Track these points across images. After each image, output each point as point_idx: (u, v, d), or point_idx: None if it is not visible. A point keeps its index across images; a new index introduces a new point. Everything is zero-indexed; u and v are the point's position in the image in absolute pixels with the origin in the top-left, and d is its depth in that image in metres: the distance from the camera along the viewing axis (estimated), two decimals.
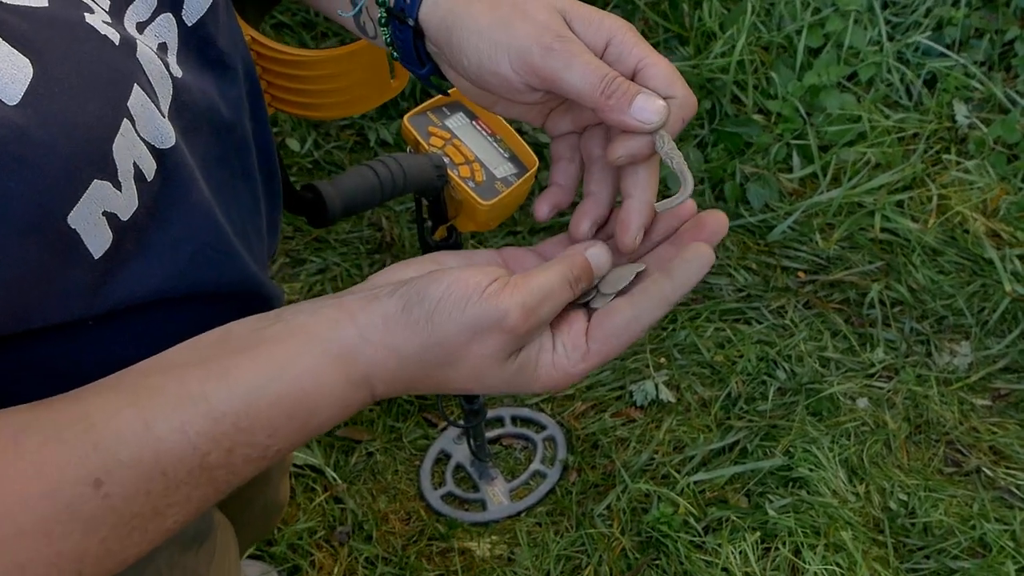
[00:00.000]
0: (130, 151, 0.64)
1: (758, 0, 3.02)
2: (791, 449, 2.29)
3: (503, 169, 1.42)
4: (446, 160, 1.39)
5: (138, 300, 0.70)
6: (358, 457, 2.32)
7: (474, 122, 1.45)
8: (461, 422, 2.13)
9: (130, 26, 0.67)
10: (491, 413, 2.39)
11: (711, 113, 2.95)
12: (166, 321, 0.73)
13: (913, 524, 2.20)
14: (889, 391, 2.46)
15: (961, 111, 2.96)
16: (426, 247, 1.53)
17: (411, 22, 0.76)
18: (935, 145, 2.92)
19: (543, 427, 2.39)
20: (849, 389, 2.44)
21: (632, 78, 0.71)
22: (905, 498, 2.25)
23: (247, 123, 0.82)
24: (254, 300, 0.82)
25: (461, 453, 2.32)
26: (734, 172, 2.85)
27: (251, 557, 2.12)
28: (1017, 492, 2.29)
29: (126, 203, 0.65)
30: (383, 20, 0.79)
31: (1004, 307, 2.61)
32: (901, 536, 2.18)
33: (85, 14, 0.62)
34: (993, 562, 2.13)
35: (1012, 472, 2.33)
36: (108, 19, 0.64)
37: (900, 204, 2.80)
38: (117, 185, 0.64)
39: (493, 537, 2.19)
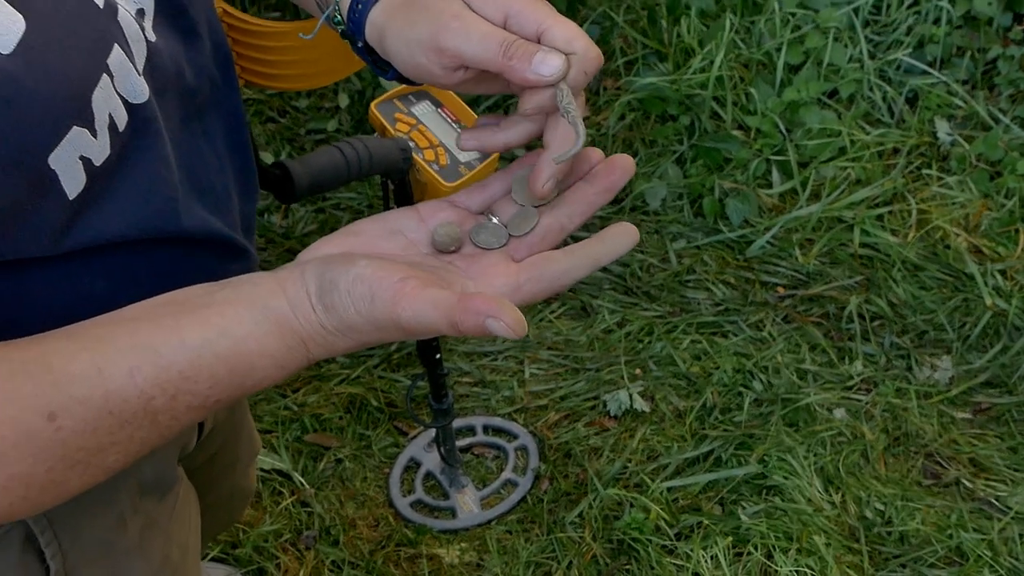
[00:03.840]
0: (107, 103, 0.74)
1: (737, 17, 3.14)
2: (766, 458, 2.36)
3: (467, 154, 1.51)
4: (411, 144, 1.49)
5: (104, 240, 0.80)
6: (326, 463, 2.39)
7: (439, 109, 1.55)
8: (431, 423, 2.20)
9: None
10: (463, 422, 2.46)
11: (690, 129, 3.06)
12: (131, 262, 0.83)
13: (889, 533, 2.28)
14: (867, 403, 2.55)
15: (943, 128, 3.08)
16: None
17: (360, 44, 0.88)
18: (916, 160, 3.03)
19: (515, 436, 2.47)
20: (826, 400, 2.52)
21: (537, 42, 0.80)
22: (882, 507, 2.32)
23: (209, 90, 0.93)
24: (220, 251, 0.93)
25: (431, 461, 2.39)
26: (713, 187, 2.95)
27: (215, 560, 2.19)
28: (996, 503, 2.37)
29: (100, 150, 0.75)
30: (344, 36, 0.90)
31: (985, 321, 2.71)
32: (876, 544, 2.26)
33: None
34: (970, 570, 2.20)
35: (992, 484, 2.41)
36: None
37: (880, 219, 2.90)
38: (93, 133, 0.74)
39: (462, 544, 2.26)
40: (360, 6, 0.85)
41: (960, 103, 3.12)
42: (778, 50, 3.10)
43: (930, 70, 3.15)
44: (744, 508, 2.27)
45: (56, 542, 0.92)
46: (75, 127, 0.71)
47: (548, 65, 0.77)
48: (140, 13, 0.81)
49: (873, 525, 2.28)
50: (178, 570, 1.11)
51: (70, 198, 0.74)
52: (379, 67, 0.89)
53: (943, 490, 2.40)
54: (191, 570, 1.15)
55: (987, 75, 3.20)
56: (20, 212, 0.72)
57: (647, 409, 2.50)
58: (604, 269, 2.84)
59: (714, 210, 2.94)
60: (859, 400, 2.55)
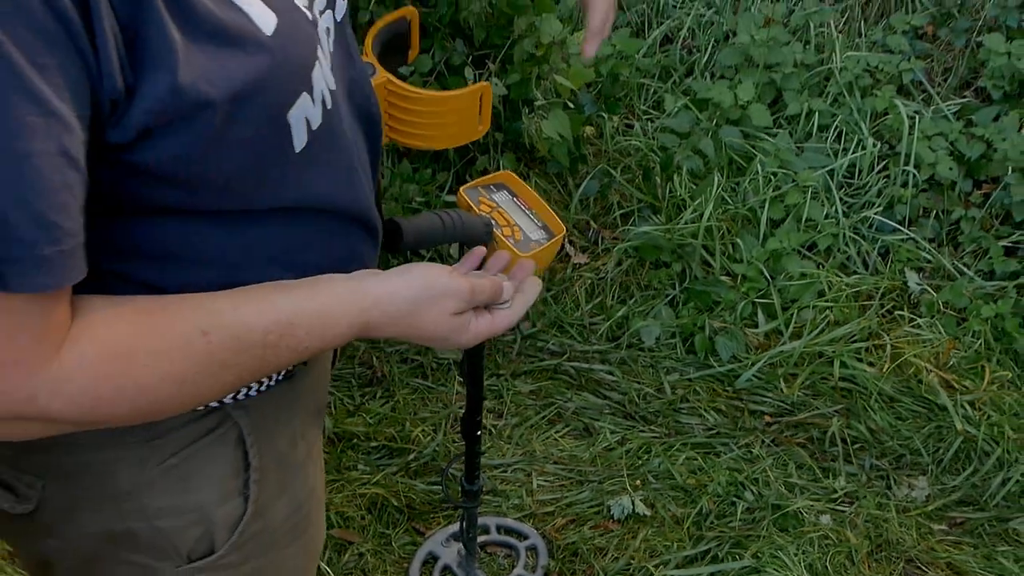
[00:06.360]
0: (319, 81, 1.04)
1: (724, 177, 3.54)
2: (759, 554, 2.62)
3: (537, 234, 1.84)
4: (493, 222, 1.82)
5: (307, 202, 1.11)
6: (349, 556, 2.62)
7: (515, 199, 1.89)
8: (460, 502, 2.45)
9: (315, 12, 1.11)
10: (478, 521, 2.70)
11: (682, 274, 3.41)
12: (308, 230, 1.14)
13: None
14: (851, 514, 2.82)
15: (913, 278, 3.44)
16: None
17: None
18: (888, 303, 3.38)
19: (525, 536, 2.71)
20: (813, 506, 2.79)
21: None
22: None
23: (361, 103, 1.25)
24: (369, 234, 1.25)
25: (449, 555, 2.62)
26: (703, 326, 3.28)
27: None
28: None
29: (316, 116, 1.04)
30: None
31: (957, 446, 3.01)
32: None
33: None
34: None
35: None
36: (306, 3, 1.08)
37: (857, 353, 3.23)
38: (312, 100, 1.03)
39: None
40: None
41: (928, 257, 3.49)
42: (761, 206, 3.48)
43: (900, 227, 3.54)
44: None
45: (257, 445, 1.21)
46: (303, 93, 1.02)
47: None
48: (326, 31, 1.14)
49: None
50: (320, 503, 1.40)
51: (296, 151, 1.04)
52: None
53: None
54: (321, 512, 1.43)
55: (951, 233, 3.59)
56: (267, 160, 1.02)
57: (648, 513, 2.76)
58: (604, 396, 3.14)
59: (705, 347, 3.26)
60: (843, 511, 2.82)
